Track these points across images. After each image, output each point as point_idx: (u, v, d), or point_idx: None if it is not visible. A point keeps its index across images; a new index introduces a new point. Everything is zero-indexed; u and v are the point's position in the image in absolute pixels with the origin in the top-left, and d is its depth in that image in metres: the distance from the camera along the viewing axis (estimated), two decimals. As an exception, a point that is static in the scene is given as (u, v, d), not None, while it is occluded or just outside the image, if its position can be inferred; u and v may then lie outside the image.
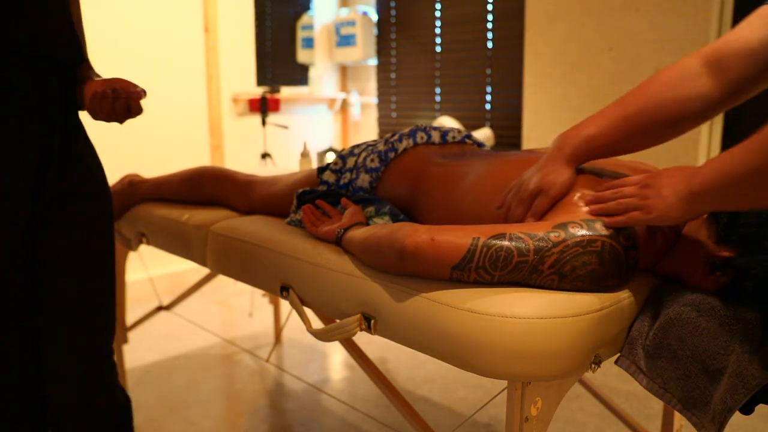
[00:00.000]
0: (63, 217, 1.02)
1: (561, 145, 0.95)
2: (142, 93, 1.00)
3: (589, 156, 0.94)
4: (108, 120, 1.00)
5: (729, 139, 2.37)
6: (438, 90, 3.59)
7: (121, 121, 1.01)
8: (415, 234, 0.87)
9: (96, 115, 1.00)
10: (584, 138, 0.93)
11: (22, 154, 0.96)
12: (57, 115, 1.01)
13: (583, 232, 0.83)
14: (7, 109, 0.93)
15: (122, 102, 0.98)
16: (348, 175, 1.33)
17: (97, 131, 2.68)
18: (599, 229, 0.84)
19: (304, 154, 2.31)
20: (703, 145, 2.35)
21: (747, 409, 0.77)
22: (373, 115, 3.93)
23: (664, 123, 0.89)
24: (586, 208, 0.88)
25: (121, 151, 2.81)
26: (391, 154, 1.29)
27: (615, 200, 0.86)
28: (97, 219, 1.07)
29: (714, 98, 0.87)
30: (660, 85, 0.89)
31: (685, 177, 0.78)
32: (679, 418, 1.33)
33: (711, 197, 0.75)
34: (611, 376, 2.02)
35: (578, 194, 0.92)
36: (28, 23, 0.93)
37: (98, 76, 1.07)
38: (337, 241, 1.11)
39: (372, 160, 1.30)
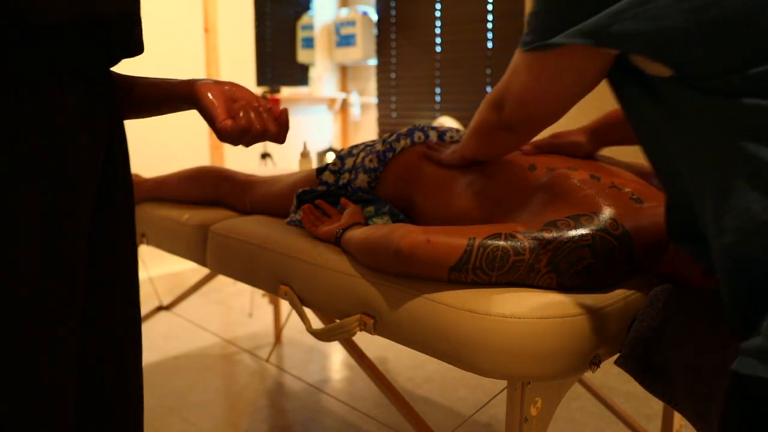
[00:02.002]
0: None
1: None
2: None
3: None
4: (249, 143, 0.80)
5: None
6: (438, 90, 3.59)
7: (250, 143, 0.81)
8: (411, 235, 0.87)
9: (236, 138, 0.78)
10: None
11: (92, 157, 0.73)
12: (116, 114, 0.80)
13: (572, 227, 0.84)
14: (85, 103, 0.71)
15: (270, 118, 0.79)
16: (347, 175, 1.33)
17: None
18: (585, 222, 0.85)
19: (304, 154, 2.31)
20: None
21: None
22: (373, 115, 3.93)
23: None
24: (569, 207, 0.90)
25: (121, 151, 2.81)
26: (389, 154, 1.29)
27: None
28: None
29: None
30: None
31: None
32: (678, 419, 1.33)
33: (464, 147, 1.10)
34: (611, 376, 2.02)
35: (560, 192, 0.93)
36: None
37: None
38: (336, 241, 1.11)
39: (370, 161, 1.30)
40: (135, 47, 0.79)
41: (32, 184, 0.65)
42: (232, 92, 0.81)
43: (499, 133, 0.93)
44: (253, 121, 0.79)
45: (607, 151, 1.17)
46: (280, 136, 0.83)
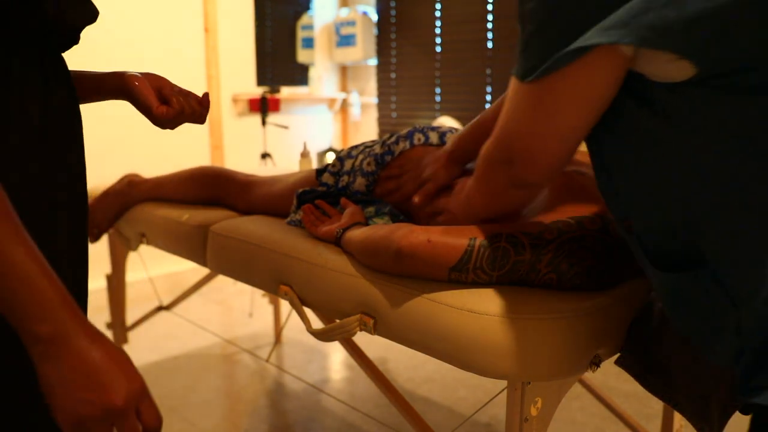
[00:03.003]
0: None
1: (452, 149, 1.15)
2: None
3: (469, 160, 1.15)
4: (177, 125, 0.94)
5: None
6: (438, 90, 3.59)
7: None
8: (412, 235, 0.87)
9: (172, 121, 0.92)
10: (466, 147, 1.13)
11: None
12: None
13: (574, 228, 0.84)
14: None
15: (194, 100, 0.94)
16: (345, 178, 1.33)
17: (98, 131, 2.68)
18: (587, 224, 0.85)
19: (304, 154, 2.31)
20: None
21: (747, 410, 0.77)
22: (373, 115, 3.93)
23: None
24: (571, 208, 0.89)
25: (121, 151, 2.81)
26: (388, 158, 1.28)
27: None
28: None
29: None
30: None
31: (463, 197, 0.96)
32: (678, 419, 1.33)
33: (472, 210, 0.92)
34: (611, 376, 2.02)
35: (564, 194, 0.93)
36: None
37: None
38: (336, 242, 1.11)
39: (369, 164, 1.29)
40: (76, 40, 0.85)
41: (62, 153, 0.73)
42: (155, 81, 0.92)
43: (514, 191, 0.78)
44: (184, 104, 0.92)
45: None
46: (202, 117, 0.97)
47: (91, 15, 0.76)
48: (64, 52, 0.76)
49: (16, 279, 0.51)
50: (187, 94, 0.94)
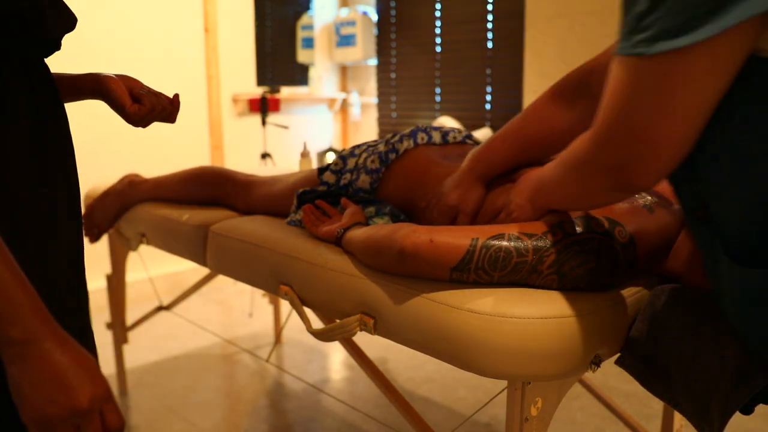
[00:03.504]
0: None
1: (473, 166, 1.09)
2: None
3: (493, 175, 1.09)
4: (149, 123, 0.98)
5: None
6: (438, 90, 3.59)
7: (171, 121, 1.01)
8: (414, 235, 0.87)
9: (143, 119, 0.96)
10: (491, 162, 1.08)
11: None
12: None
13: (579, 230, 0.84)
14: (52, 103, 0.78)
15: (165, 100, 0.98)
16: (348, 176, 1.33)
17: (98, 131, 2.69)
18: (594, 227, 0.84)
19: (304, 154, 2.31)
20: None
21: (747, 410, 0.77)
22: (373, 115, 3.93)
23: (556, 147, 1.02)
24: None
25: (121, 151, 2.81)
26: (392, 155, 1.28)
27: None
28: None
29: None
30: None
31: (531, 186, 0.92)
32: (679, 418, 1.33)
33: (545, 203, 0.88)
34: (611, 376, 2.02)
35: None
36: None
37: None
38: (336, 241, 1.11)
39: (372, 161, 1.29)
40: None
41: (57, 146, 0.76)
42: (127, 81, 0.96)
43: (614, 194, 0.72)
44: (155, 102, 0.96)
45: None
46: (172, 116, 1.01)
47: (71, 23, 0.78)
48: (46, 58, 0.78)
49: None
50: (158, 94, 0.99)
